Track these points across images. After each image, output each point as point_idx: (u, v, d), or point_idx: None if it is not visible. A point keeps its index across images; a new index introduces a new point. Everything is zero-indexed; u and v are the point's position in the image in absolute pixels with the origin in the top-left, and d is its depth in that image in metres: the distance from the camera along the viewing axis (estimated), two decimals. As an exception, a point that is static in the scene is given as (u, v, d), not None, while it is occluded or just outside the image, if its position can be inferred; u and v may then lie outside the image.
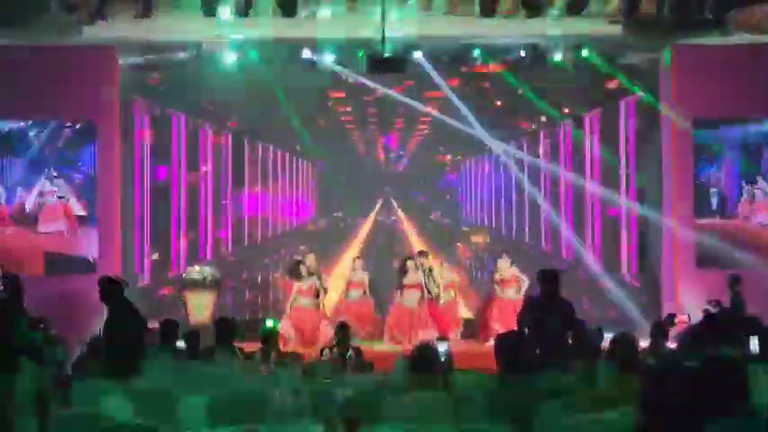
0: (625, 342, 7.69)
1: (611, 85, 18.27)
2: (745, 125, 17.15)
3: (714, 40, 15.94)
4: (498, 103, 19.10)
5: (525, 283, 16.98)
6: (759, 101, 16.74)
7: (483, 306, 17.69)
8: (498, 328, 16.07)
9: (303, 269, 17.02)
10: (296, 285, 17.07)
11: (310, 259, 17.34)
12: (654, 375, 5.20)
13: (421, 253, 17.91)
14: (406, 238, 20.00)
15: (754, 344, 9.76)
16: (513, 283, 17.15)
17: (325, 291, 17.26)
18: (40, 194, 16.70)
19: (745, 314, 14.75)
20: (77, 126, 16.75)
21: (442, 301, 17.35)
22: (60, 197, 16.69)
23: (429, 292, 17.16)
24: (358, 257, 18.38)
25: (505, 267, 17.29)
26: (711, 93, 16.65)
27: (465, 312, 18.41)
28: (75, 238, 16.72)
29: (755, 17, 13.51)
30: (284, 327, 16.74)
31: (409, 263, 17.28)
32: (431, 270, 17.38)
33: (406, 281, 17.16)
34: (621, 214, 19.12)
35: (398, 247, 19.27)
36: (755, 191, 17.14)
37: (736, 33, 14.99)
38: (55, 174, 16.67)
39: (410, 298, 17.10)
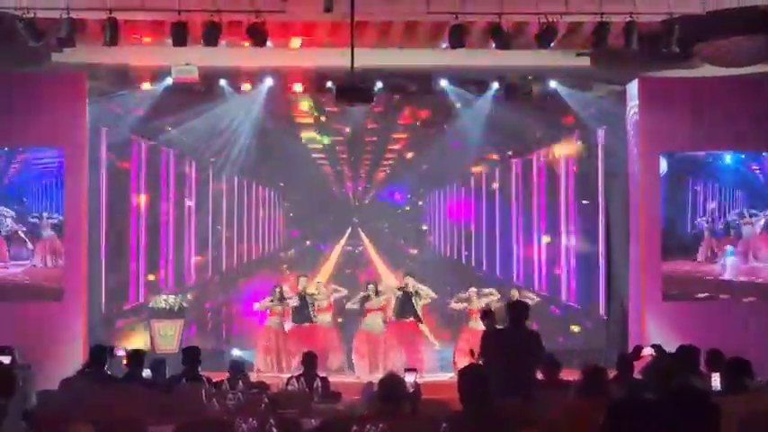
0: (595, 373, 7.69)
1: (577, 117, 18.30)
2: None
3: (681, 72, 16.08)
4: (469, 133, 19.07)
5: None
6: (724, 134, 16.82)
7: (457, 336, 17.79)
8: (461, 360, 16.23)
9: (278, 292, 17.37)
10: (269, 307, 17.37)
11: (302, 282, 17.69)
12: (620, 406, 5.20)
13: (406, 275, 17.92)
14: (372, 265, 20.01)
15: (716, 380, 9.77)
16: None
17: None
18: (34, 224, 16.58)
19: None
20: (46, 154, 16.66)
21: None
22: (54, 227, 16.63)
23: (415, 315, 17.34)
24: (320, 282, 18.50)
25: (474, 297, 17.37)
26: (678, 125, 16.75)
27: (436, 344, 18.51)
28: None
29: (722, 50, 13.61)
30: (256, 356, 16.91)
31: (370, 287, 17.40)
32: (417, 292, 17.43)
33: (368, 305, 17.31)
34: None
35: (364, 275, 19.30)
36: (744, 226, 17.06)
37: (703, 66, 15.11)
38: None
39: (372, 322, 17.23)
